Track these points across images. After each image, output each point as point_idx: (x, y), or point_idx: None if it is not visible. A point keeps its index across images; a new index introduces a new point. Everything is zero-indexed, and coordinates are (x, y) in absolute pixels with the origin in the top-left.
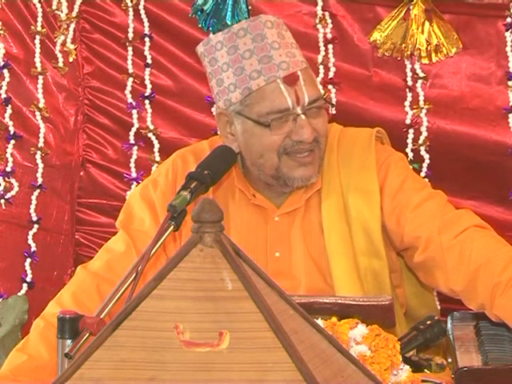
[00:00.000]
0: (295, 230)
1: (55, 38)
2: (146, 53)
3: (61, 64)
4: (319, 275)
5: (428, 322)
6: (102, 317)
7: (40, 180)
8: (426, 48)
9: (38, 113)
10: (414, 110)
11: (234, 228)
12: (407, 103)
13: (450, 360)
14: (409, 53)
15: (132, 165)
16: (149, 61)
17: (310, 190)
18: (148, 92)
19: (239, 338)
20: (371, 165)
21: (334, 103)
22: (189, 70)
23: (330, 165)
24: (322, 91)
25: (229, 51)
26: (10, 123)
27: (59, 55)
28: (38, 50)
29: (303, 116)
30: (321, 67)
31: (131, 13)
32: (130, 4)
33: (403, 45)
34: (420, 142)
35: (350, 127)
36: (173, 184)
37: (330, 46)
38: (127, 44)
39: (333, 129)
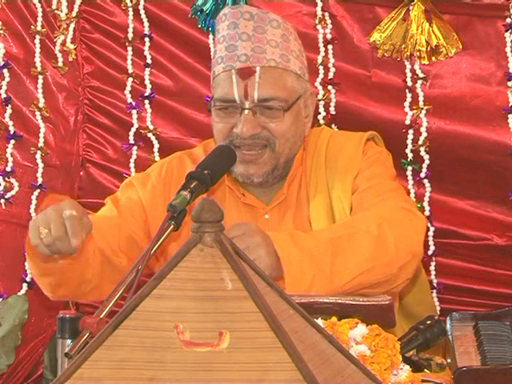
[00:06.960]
0: (286, 227)
1: (55, 37)
2: (146, 53)
3: (61, 64)
4: None
5: (428, 322)
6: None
7: (40, 180)
8: (426, 48)
9: (38, 113)
10: (414, 111)
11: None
12: (407, 104)
13: (449, 360)
14: (408, 53)
15: (132, 165)
16: (148, 61)
17: (289, 184)
18: (148, 92)
19: (239, 338)
20: (356, 167)
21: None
22: (189, 69)
23: (317, 165)
24: (293, 97)
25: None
26: (10, 123)
27: (59, 55)
28: (37, 50)
29: (247, 111)
30: (320, 67)
31: (131, 13)
32: (129, 4)
33: (403, 45)
34: (420, 142)
35: (340, 132)
36: (165, 181)
37: (330, 47)
38: (127, 44)
39: (323, 133)
